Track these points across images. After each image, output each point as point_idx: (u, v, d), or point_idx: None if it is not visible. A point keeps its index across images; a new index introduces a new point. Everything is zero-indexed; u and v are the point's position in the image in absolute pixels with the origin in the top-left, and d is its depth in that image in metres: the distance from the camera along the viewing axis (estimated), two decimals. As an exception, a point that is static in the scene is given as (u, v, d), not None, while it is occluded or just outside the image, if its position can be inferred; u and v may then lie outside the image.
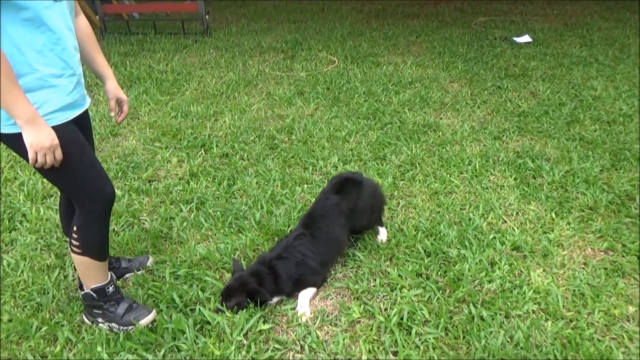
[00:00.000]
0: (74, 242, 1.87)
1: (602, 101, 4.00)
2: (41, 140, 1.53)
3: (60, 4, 1.60)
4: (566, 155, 3.20)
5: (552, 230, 2.48)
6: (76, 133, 1.74)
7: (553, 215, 2.60)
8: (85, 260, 1.90)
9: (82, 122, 1.83)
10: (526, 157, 3.19)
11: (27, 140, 1.53)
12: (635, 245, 2.33)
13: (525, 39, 5.86)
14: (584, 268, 2.23)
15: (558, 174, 2.96)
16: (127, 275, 2.30)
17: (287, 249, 2.16)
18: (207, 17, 6.71)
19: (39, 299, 2.16)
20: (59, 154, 1.60)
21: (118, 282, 2.21)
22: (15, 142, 1.61)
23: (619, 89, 4.24)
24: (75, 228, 1.85)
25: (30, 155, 1.55)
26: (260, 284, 2.05)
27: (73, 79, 1.71)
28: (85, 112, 1.87)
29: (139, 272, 2.31)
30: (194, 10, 6.84)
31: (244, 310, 2.01)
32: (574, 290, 2.09)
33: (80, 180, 1.76)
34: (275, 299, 2.09)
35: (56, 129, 1.61)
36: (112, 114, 2.04)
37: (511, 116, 3.82)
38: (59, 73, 1.64)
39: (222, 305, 2.04)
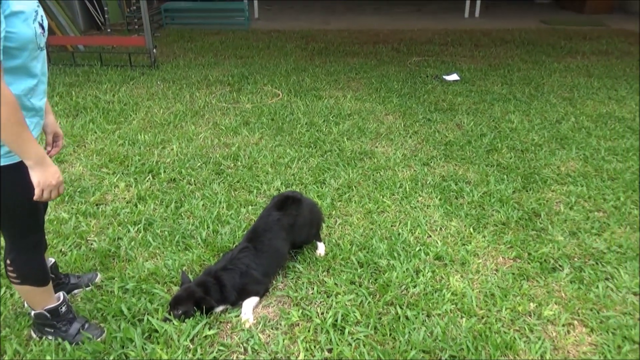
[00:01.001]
0: (10, 274, 1.91)
1: (517, 132, 4.49)
2: (49, 179, 1.63)
3: (43, 52, 1.70)
4: (485, 178, 3.59)
5: (470, 243, 2.80)
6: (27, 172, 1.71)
7: (471, 229, 2.94)
8: (27, 289, 1.95)
9: None
10: (450, 180, 3.55)
11: (36, 179, 1.62)
12: (538, 254, 2.68)
13: (454, 77, 6.43)
14: (495, 273, 2.55)
15: (477, 195, 3.32)
16: (76, 291, 2.38)
17: (232, 261, 2.34)
18: (154, 50, 6.87)
19: (-16, 317, 2.21)
20: (62, 189, 1.70)
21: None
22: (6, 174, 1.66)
23: (533, 122, 4.77)
24: (8, 261, 1.89)
25: (37, 192, 1.64)
26: (207, 294, 2.21)
27: (38, 120, 1.78)
28: None
29: (87, 288, 2.40)
30: (141, 45, 6.99)
31: (191, 318, 2.16)
32: (486, 292, 2.40)
33: (17, 217, 1.80)
34: (220, 308, 2.25)
35: (14, 167, 1.66)
36: (49, 148, 2.01)
37: (439, 145, 4.21)
38: (29, 115, 1.71)
39: (170, 314, 2.18)
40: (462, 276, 2.51)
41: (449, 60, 7.49)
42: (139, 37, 7.26)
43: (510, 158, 3.95)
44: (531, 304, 2.32)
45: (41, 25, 1.67)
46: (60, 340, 2.06)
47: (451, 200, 3.29)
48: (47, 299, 2.03)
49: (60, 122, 4.67)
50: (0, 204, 1.72)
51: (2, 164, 1.65)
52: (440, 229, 2.96)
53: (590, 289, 2.42)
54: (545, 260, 2.64)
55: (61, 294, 2.11)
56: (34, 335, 2.11)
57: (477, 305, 2.30)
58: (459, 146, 4.18)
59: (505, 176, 3.62)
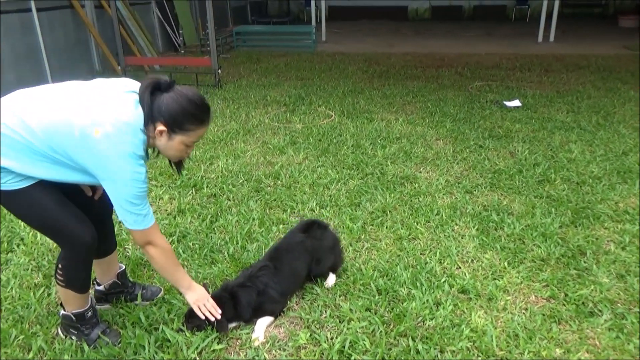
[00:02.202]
0: (58, 276, 2.06)
1: (576, 163, 4.22)
2: (199, 298, 2.16)
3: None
4: (530, 210, 3.39)
5: (502, 277, 2.65)
6: (54, 190, 1.90)
7: (506, 264, 2.78)
8: (68, 292, 2.09)
9: None
10: (492, 210, 3.39)
11: (191, 299, 2.15)
12: (576, 295, 2.48)
13: (515, 103, 6.17)
14: (523, 312, 2.38)
15: (518, 227, 3.14)
16: (137, 301, 2.44)
17: (250, 278, 2.37)
18: (219, 71, 7.22)
19: (21, 312, 2.39)
20: (211, 304, 2.18)
21: (129, 304, 2.43)
22: (7, 199, 1.83)
23: (595, 152, 4.46)
24: (60, 266, 2.03)
25: (195, 308, 2.17)
26: (221, 309, 2.25)
27: None
28: None
29: (145, 303, 2.46)
30: (207, 65, 7.37)
31: (202, 332, 2.21)
32: (510, 332, 2.24)
33: (59, 232, 1.95)
34: (232, 324, 2.28)
35: (33, 186, 1.83)
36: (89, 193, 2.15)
37: (486, 173, 4.04)
38: None
39: (183, 325, 2.24)
40: (485, 312, 2.38)
41: (513, 86, 7.22)
42: (206, 58, 7.66)
43: (563, 190, 3.70)
44: (558, 349, 2.14)
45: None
46: (81, 342, 2.18)
47: (489, 231, 3.14)
48: (81, 303, 2.15)
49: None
50: (30, 221, 1.97)
51: (4, 189, 1.80)
52: (472, 260, 2.82)
53: (631, 340, 2.20)
54: (583, 303, 2.44)
55: (89, 299, 2.23)
56: (61, 334, 2.25)
57: (497, 346, 2.16)
58: (509, 175, 3.98)
59: (553, 209, 3.40)
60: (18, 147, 1.76)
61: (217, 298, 2.28)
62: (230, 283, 2.39)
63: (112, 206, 2.22)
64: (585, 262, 2.79)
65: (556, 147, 4.63)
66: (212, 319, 2.16)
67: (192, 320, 2.23)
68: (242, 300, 2.28)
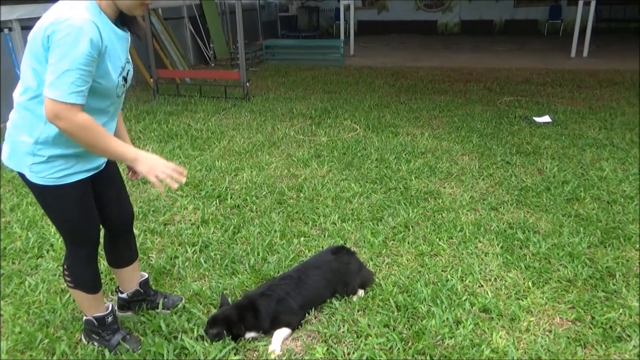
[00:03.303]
0: (66, 277, 2.13)
1: (607, 182, 4.10)
2: (153, 165, 1.81)
3: (120, 98, 1.97)
4: (557, 229, 3.30)
5: (526, 298, 2.58)
6: (86, 191, 1.99)
7: (530, 283, 2.71)
8: (79, 293, 2.15)
9: (107, 172, 2.11)
10: (517, 228, 3.32)
11: (143, 170, 1.81)
12: (603, 319, 2.39)
13: (545, 119, 6.05)
14: (547, 335, 2.31)
15: (544, 246, 3.06)
16: (158, 310, 2.49)
17: (271, 287, 2.39)
18: (247, 84, 7.34)
19: (47, 317, 2.46)
20: (171, 165, 1.85)
21: (150, 311, 2.47)
22: (46, 194, 1.91)
23: (628, 171, 4.32)
24: (65, 266, 2.11)
25: (152, 180, 1.81)
26: (241, 319, 2.26)
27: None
28: (111, 164, 2.15)
29: (166, 311, 2.50)
30: (236, 78, 7.51)
31: (221, 341, 2.22)
32: (532, 354, 2.18)
33: (73, 231, 2.03)
34: (252, 334, 2.29)
35: (73, 185, 1.91)
36: (130, 175, 2.15)
37: (513, 190, 3.97)
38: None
39: (205, 333, 2.26)
40: (507, 333, 2.32)
41: (543, 101, 7.09)
42: (235, 71, 7.80)
43: (593, 209, 3.60)
44: (583, 374, 2.07)
45: (124, 79, 1.92)
46: (102, 347, 2.22)
47: (514, 249, 3.07)
48: (97, 306, 2.22)
49: (152, 146, 5.14)
50: (47, 211, 1.99)
51: (43, 184, 1.88)
52: (495, 279, 2.76)
53: (661, 367, 2.11)
54: (610, 327, 2.35)
55: (110, 305, 2.29)
56: (84, 340, 2.30)
57: (518, 368, 2.10)
58: (536, 192, 3.90)
59: (582, 228, 3.30)
60: (29, 119, 1.82)
61: (239, 307, 2.29)
62: (251, 293, 2.42)
63: (132, 216, 2.29)
64: (614, 284, 2.69)
65: (587, 164, 4.51)
66: (175, 185, 1.83)
67: (213, 327, 2.25)
68: (261, 310, 2.29)
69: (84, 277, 2.14)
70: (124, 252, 2.36)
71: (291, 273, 2.51)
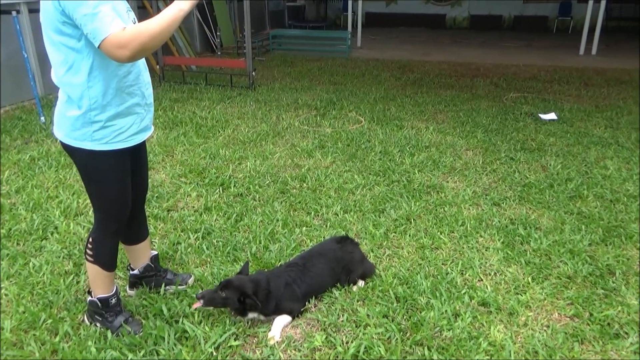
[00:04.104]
0: (88, 250, 2.19)
1: (610, 180, 4.09)
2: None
3: None
4: (559, 226, 3.31)
5: (525, 293, 2.60)
6: (126, 163, 2.10)
7: (530, 279, 2.72)
8: (95, 268, 2.20)
9: (141, 147, 2.20)
10: (519, 224, 3.32)
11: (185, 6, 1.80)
12: (601, 315, 2.40)
13: (551, 116, 6.03)
14: (545, 330, 2.33)
15: (545, 243, 3.07)
16: (168, 287, 2.56)
17: (280, 271, 2.44)
18: (253, 73, 7.33)
19: (51, 298, 2.49)
20: None
21: (152, 295, 2.51)
22: (98, 160, 1.98)
23: (632, 170, 4.31)
24: (90, 239, 2.18)
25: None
26: (255, 294, 2.24)
27: (147, 108, 2.10)
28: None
29: (180, 287, 2.57)
30: (242, 67, 7.50)
31: (220, 327, 2.25)
32: (529, 349, 2.20)
33: (108, 203, 2.12)
34: (253, 315, 2.30)
35: (120, 152, 2.01)
36: None
37: (516, 186, 3.97)
38: (140, 102, 2.04)
39: (213, 292, 2.26)
40: (505, 327, 2.33)
41: (550, 98, 7.06)
42: (241, 60, 7.79)
43: (595, 207, 3.60)
44: (578, 369, 2.09)
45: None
46: (104, 329, 2.26)
47: (515, 245, 3.08)
48: (107, 285, 2.26)
49: (157, 133, 5.15)
50: (93, 184, 2.07)
51: (104, 149, 1.96)
52: (495, 273, 2.78)
53: (657, 364, 2.12)
54: (608, 324, 2.36)
55: (115, 287, 2.32)
56: (86, 321, 2.33)
57: (515, 361, 2.12)
58: (539, 189, 3.90)
59: (584, 226, 3.31)
60: (71, 91, 1.89)
61: (257, 281, 2.30)
62: (266, 272, 2.47)
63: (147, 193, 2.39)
64: (614, 282, 2.70)
65: (591, 162, 4.50)
66: None
67: (225, 290, 2.24)
68: (272, 290, 2.30)
69: (105, 254, 2.20)
70: (139, 227, 2.45)
71: (297, 260, 2.54)
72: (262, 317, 2.34)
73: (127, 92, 1.97)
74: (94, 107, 1.90)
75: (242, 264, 2.76)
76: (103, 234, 2.18)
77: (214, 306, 2.31)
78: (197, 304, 2.28)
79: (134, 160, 2.19)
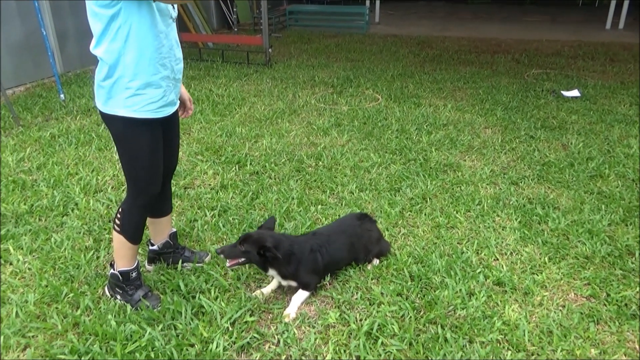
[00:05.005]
0: (117, 220, 2.25)
1: (634, 159, 3.99)
2: None
3: (174, 23, 2.08)
4: (578, 206, 3.26)
5: (541, 272, 2.58)
6: (158, 135, 2.15)
7: (546, 259, 2.69)
8: (121, 239, 2.26)
9: (172, 118, 2.24)
10: (537, 203, 3.28)
11: None
12: (619, 296, 2.38)
13: (574, 93, 5.88)
14: (560, 310, 2.32)
15: (564, 222, 3.03)
16: (186, 264, 2.62)
17: (307, 237, 2.48)
18: (270, 50, 7.27)
19: (72, 272, 2.56)
20: None
21: (170, 271, 2.57)
22: (132, 129, 2.04)
23: (657, 149, 4.20)
24: (121, 209, 2.24)
25: None
26: (276, 247, 2.25)
27: (175, 83, 2.13)
28: (176, 111, 2.27)
29: (198, 264, 2.62)
30: (259, 44, 7.44)
31: (237, 303, 2.28)
32: (544, 328, 2.19)
33: (140, 174, 2.16)
34: (272, 272, 2.33)
35: (152, 122, 2.07)
36: (181, 113, 2.44)
37: (535, 165, 3.90)
38: (169, 76, 2.07)
39: (240, 245, 2.28)
40: (520, 306, 2.33)
41: (573, 75, 6.87)
42: (258, 37, 7.73)
43: (617, 187, 3.53)
44: (594, 350, 2.08)
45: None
46: (124, 303, 2.32)
47: (532, 224, 3.04)
48: (130, 257, 2.31)
49: (174, 110, 5.17)
50: (126, 154, 2.12)
51: (136, 117, 2.02)
52: (511, 253, 2.76)
53: (675, 346, 2.10)
54: (625, 304, 2.34)
55: (136, 261, 2.36)
56: (107, 293, 2.40)
57: (529, 340, 2.12)
58: (559, 168, 3.83)
59: (604, 206, 3.25)
60: (106, 60, 1.95)
61: (279, 238, 2.33)
62: (290, 236, 2.51)
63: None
64: (632, 262, 2.66)
65: (614, 141, 4.39)
66: None
67: (245, 244, 2.27)
68: (296, 253, 2.32)
69: (132, 225, 2.25)
70: (165, 201, 2.50)
71: (323, 230, 2.58)
72: (280, 280, 2.36)
73: (160, 64, 2.01)
74: (127, 74, 1.96)
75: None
76: (132, 206, 2.23)
77: (235, 260, 2.30)
78: (230, 262, 2.32)
79: (165, 134, 2.22)
